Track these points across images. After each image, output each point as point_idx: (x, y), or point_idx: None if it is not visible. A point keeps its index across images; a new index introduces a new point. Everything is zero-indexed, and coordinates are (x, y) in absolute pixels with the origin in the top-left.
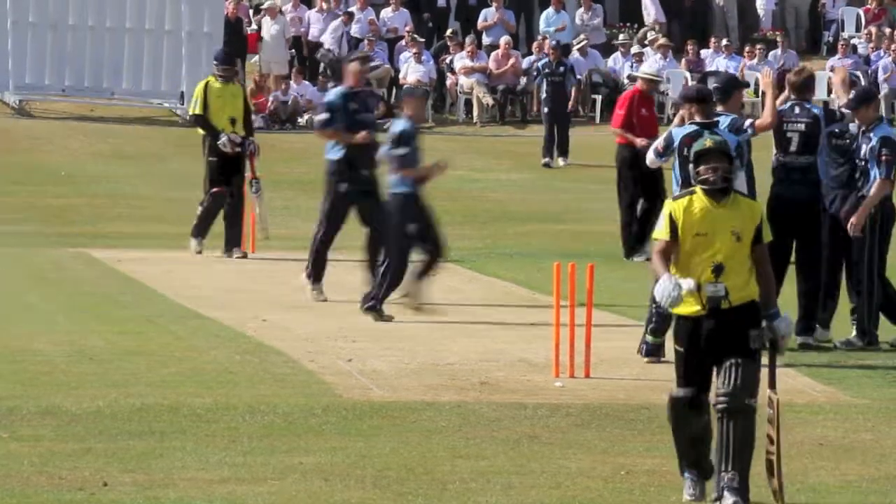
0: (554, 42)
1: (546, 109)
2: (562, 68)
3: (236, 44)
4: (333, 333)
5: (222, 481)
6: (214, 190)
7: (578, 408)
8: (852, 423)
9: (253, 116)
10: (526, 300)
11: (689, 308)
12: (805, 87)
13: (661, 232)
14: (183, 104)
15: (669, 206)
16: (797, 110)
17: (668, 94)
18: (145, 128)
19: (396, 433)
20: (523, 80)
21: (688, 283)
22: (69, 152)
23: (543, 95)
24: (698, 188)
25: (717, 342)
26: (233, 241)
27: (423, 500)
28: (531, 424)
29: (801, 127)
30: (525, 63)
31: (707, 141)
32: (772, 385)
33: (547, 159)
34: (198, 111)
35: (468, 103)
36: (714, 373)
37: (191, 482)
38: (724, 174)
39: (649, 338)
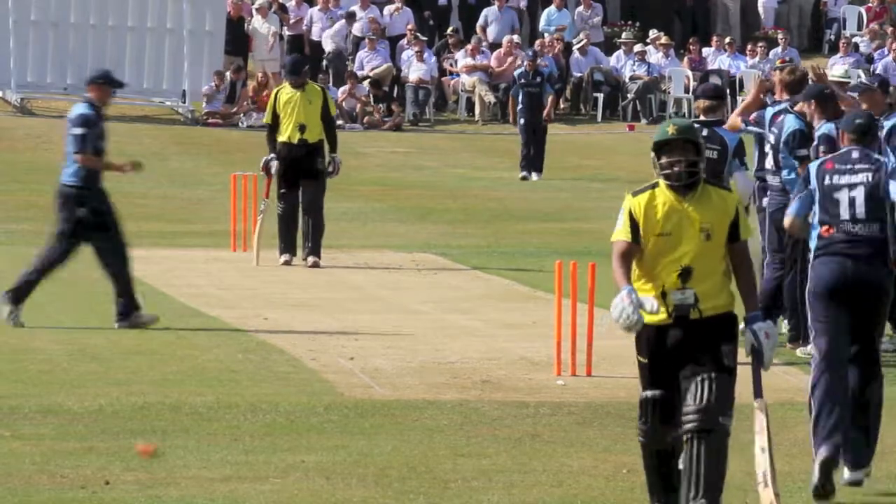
0: (531, 53)
1: (522, 121)
2: (538, 78)
3: (238, 42)
4: (335, 332)
5: (224, 480)
6: (280, 192)
7: (580, 406)
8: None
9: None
10: (527, 298)
11: (653, 316)
12: (798, 86)
13: (619, 232)
14: (185, 102)
15: (629, 203)
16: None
17: (669, 93)
18: (147, 126)
19: (398, 432)
20: None
21: (651, 305)
22: None
23: (520, 106)
24: (661, 181)
25: (684, 354)
26: (305, 249)
27: (425, 498)
28: (533, 423)
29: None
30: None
31: (669, 127)
32: (758, 394)
33: (524, 173)
34: (266, 121)
35: (469, 102)
36: (682, 387)
37: (193, 480)
38: (688, 167)
39: None
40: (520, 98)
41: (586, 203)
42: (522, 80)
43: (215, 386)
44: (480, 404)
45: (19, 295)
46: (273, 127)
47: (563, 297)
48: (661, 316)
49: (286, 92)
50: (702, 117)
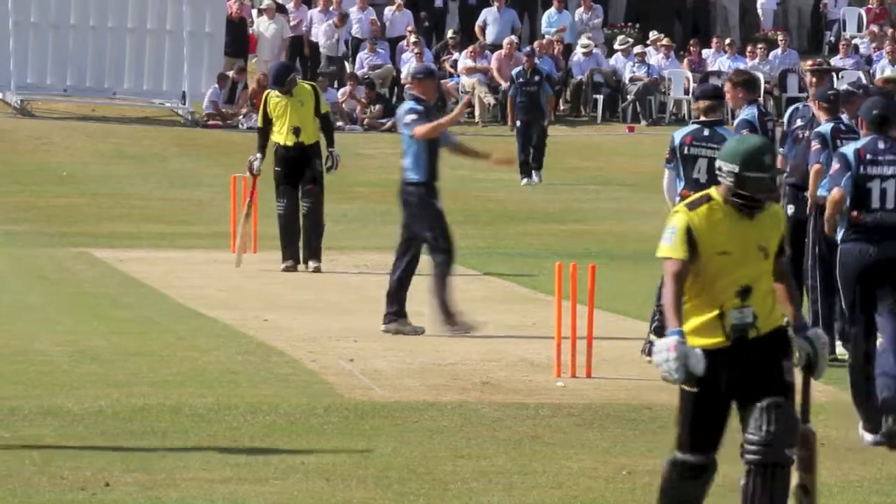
0: (528, 49)
1: (518, 122)
2: (536, 77)
3: (239, 44)
4: (335, 333)
5: (224, 481)
6: (278, 190)
7: (580, 408)
8: (853, 423)
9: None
10: (527, 300)
11: (707, 339)
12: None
13: (673, 249)
14: (185, 104)
15: (686, 217)
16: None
17: (669, 94)
18: (147, 128)
19: (398, 433)
20: None
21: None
22: (71, 152)
23: (518, 107)
24: (717, 194)
25: (741, 380)
26: (305, 253)
27: (425, 500)
28: (533, 424)
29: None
30: None
31: (767, 157)
32: (806, 417)
33: (525, 180)
34: (258, 124)
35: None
36: (739, 416)
37: (193, 482)
38: (770, 193)
39: (653, 337)
40: (517, 98)
41: (586, 204)
42: (520, 80)
43: (215, 387)
44: (480, 406)
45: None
46: (265, 130)
47: (563, 298)
48: (718, 339)
49: (276, 95)
50: (702, 118)
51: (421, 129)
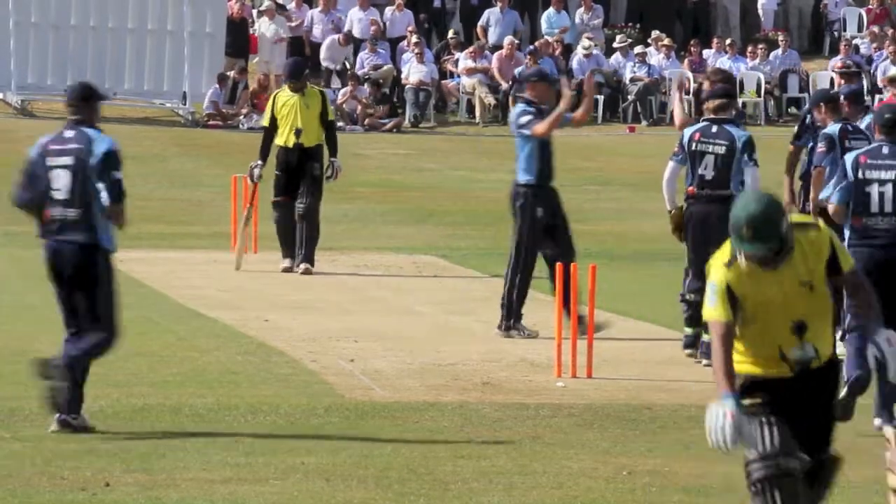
0: (531, 48)
1: None
2: None
3: (240, 44)
4: (335, 334)
5: (224, 481)
6: (274, 200)
7: (580, 408)
8: (853, 423)
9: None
10: (528, 300)
11: (770, 370)
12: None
13: (716, 311)
14: (185, 104)
15: (724, 276)
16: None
17: (669, 95)
18: (147, 128)
19: (398, 433)
20: None
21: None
22: None
23: None
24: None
25: (800, 403)
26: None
27: (425, 500)
28: (533, 425)
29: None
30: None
31: (744, 230)
32: (887, 415)
33: None
34: (264, 124)
35: (470, 103)
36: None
37: (193, 482)
38: (768, 255)
39: (687, 330)
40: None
41: (586, 205)
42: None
43: (215, 388)
44: (481, 406)
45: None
46: (270, 130)
47: (563, 298)
48: (782, 371)
49: (284, 95)
50: (712, 116)
51: (540, 126)
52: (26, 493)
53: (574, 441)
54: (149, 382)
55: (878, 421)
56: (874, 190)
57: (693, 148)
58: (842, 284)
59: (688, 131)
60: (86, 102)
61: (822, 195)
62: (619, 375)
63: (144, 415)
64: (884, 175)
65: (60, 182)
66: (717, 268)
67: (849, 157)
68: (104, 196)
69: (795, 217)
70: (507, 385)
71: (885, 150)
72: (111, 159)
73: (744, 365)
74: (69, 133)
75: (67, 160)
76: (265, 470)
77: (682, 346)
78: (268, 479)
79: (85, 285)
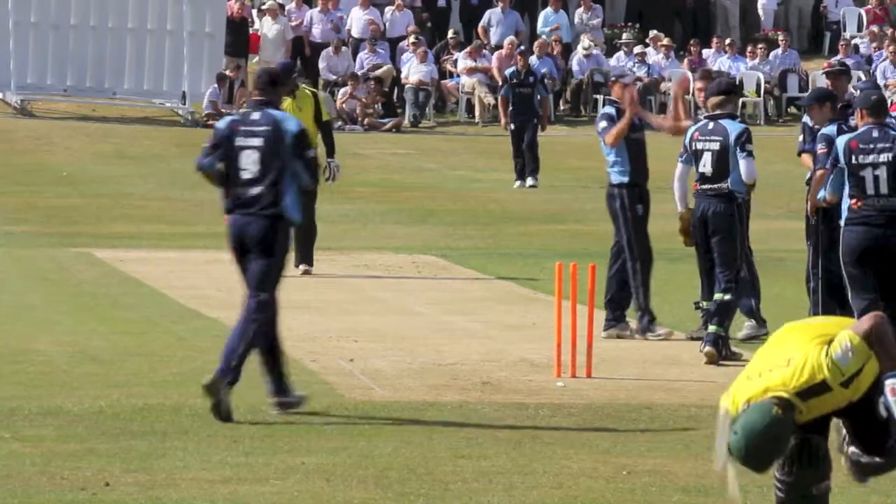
0: (521, 48)
1: (512, 126)
2: (531, 78)
3: (240, 43)
4: (335, 333)
5: (224, 481)
6: None
7: (580, 408)
8: None
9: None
10: (528, 300)
11: None
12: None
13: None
14: (185, 104)
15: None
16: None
17: (668, 94)
18: (147, 128)
19: (398, 433)
20: None
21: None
22: (71, 152)
23: (511, 108)
24: None
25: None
26: (296, 257)
27: (425, 500)
28: (533, 424)
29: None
30: None
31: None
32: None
33: (518, 182)
34: None
35: (469, 103)
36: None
37: (193, 482)
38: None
39: (712, 328)
40: (510, 99)
41: (586, 205)
42: (514, 80)
43: None
44: (480, 406)
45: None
46: None
47: (563, 298)
48: None
49: None
50: (710, 113)
51: (609, 137)
52: (26, 493)
53: (574, 441)
54: (149, 382)
55: None
56: (868, 174)
57: (693, 147)
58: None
59: (689, 130)
60: (273, 87)
61: (819, 195)
62: (618, 375)
63: (144, 415)
64: (877, 158)
65: (249, 161)
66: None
67: (840, 143)
68: (300, 173)
69: None
70: (506, 385)
71: (876, 133)
72: (303, 139)
73: None
74: (256, 115)
75: (257, 141)
76: (265, 470)
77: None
78: (268, 479)
79: (262, 254)
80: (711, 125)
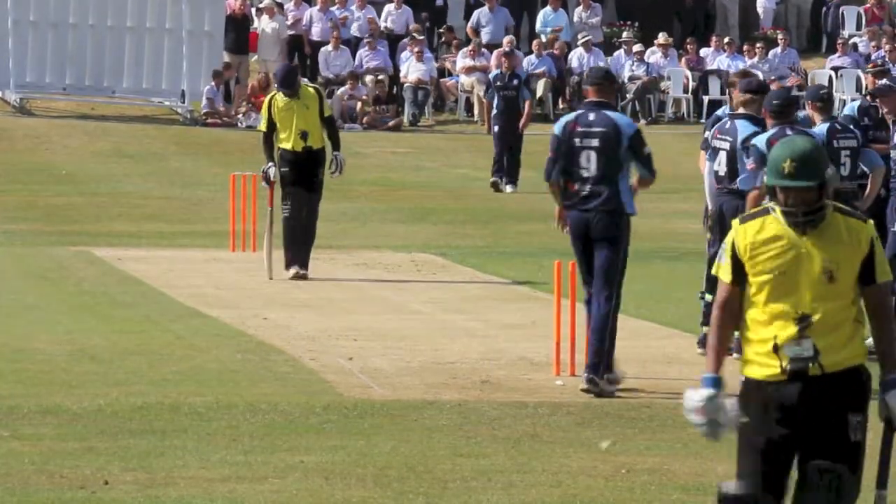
0: (505, 49)
1: (496, 128)
2: (515, 81)
3: (241, 41)
4: (334, 332)
5: (223, 480)
6: (286, 200)
7: (579, 406)
8: None
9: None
10: (527, 299)
11: (761, 370)
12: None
13: (722, 269)
14: (184, 102)
15: (734, 232)
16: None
17: (668, 93)
18: (146, 126)
19: (397, 432)
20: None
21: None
22: (70, 151)
23: (495, 111)
24: (777, 206)
25: (800, 426)
26: (294, 258)
27: (424, 498)
28: (532, 423)
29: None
30: (525, 62)
31: (786, 163)
32: (882, 484)
33: (495, 178)
34: (262, 128)
35: (468, 102)
36: (791, 470)
37: (192, 481)
38: (808, 210)
39: (704, 328)
40: (495, 102)
41: None
42: (498, 83)
43: (214, 386)
44: (479, 404)
45: None
46: (269, 135)
47: (562, 297)
48: (773, 371)
49: (282, 98)
50: (734, 111)
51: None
52: (25, 492)
53: (573, 439)
54: (148, 381)
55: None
56: None
57: (712, 144)
58: (868, 298)
59: (708, 123)
60: (610, 84)
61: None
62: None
63: (143, 413)
64: None
65: (589, 161)
66: (733, 225)
67: (760, 141)
68: (640, 169)
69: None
70: (505, 383)
71: (790, 131)
72: (640, 139)
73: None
74: (592, 116)
75: (595, 142)
76: (264, 468)
77: (697, 342)
78: (266, 478)
79: (605, 246)
80: (728, 125)
